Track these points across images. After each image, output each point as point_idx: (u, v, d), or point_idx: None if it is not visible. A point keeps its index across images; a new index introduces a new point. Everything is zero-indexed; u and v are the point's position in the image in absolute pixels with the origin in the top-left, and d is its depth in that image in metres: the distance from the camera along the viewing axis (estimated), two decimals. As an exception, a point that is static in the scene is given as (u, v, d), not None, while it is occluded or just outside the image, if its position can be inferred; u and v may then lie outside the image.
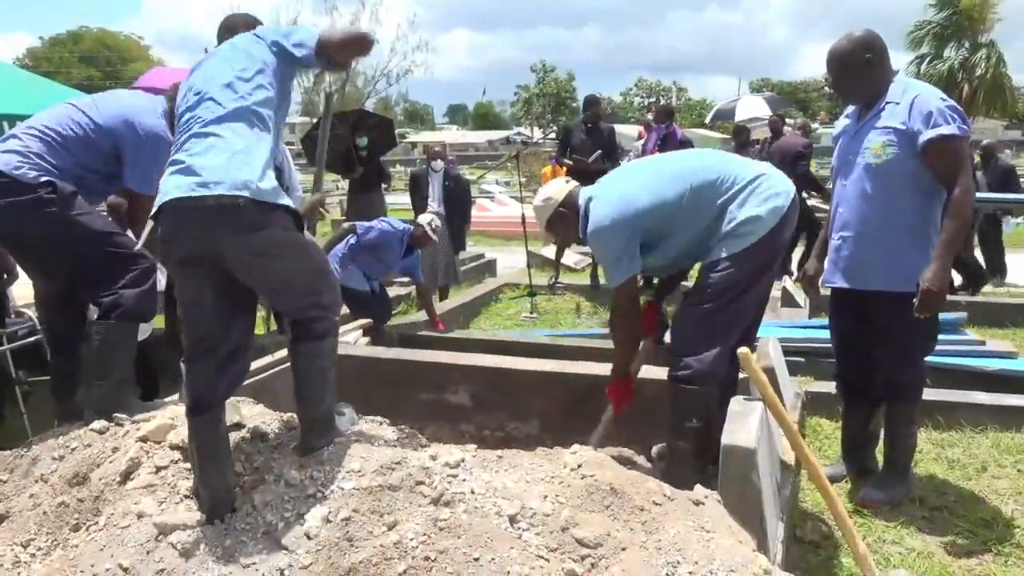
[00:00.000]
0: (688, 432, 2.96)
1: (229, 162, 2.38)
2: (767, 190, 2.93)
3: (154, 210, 2.43)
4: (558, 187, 3.31)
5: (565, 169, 8.07)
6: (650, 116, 9.80)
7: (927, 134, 2.95)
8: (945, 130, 2.94)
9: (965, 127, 2.99)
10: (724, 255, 2.92)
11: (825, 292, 3.51)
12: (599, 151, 7.74)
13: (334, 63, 2.63)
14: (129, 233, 3.40)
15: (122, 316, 3.13)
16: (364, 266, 5.83)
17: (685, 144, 8.46)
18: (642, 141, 9.00)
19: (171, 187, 2.39)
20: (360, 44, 2.63)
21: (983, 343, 5.12)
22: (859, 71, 3.14)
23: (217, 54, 2.70)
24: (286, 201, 2.47)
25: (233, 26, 2.97)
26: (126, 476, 2.69)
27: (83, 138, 3.16)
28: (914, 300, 2.96)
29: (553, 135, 8.71)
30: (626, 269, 3.05)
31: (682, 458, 3.01)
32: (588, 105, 8.24)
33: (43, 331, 3.55)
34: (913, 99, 3.03)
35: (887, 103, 3.11)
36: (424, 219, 5.95)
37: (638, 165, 3.40)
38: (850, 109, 3.35)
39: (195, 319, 2.48)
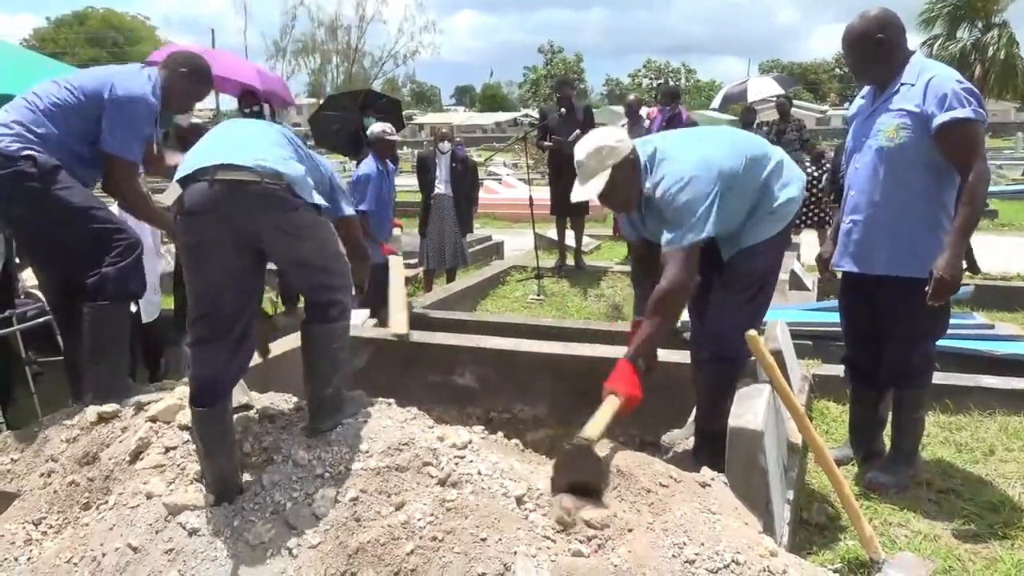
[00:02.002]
0: (727, 412, 2.94)
1: (272, 151, 2.49)
2: (792, 171, 3.02)
3: (187, 173, 2.40)
4: (622, 131, 2.91)
5: (546, 152, 8.13)
6: (632, 98, 9.88)
7: (941, 117, 2.90)
8: (960, 113, 2.88)
9: (981, 111, 2.93)
10: (762, 240, 2.93)
11: (837, 275, 3.49)
12: (578, 131, 7.78)
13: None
14: (114, 208, 3.37)
15: (108, 297, 3.07)
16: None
17: (692, 125, 8.43)
18: (648, 123, 8.97)
19: (213, 154, 2.42)
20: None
21: (992, 327, 5.11)
22: (872, 51, 3.07)
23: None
24: (317, 199, 2.55)
25: None
26: (136, 455, 2.71)
27: (68, 106, 3.08)
28: (926, 288, 2.93)
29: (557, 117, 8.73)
30: (702, 228, 2.69)
31: (716, 437, 2.99)
32: (560, 87, 8.45)
33: (52, 313, 3.55)
34: (928, 81, 2.96)
35: (901, 84, 3.05)
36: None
37: (692, 133, 3.23)
38: (865, 90, 3.30)
39: (212, 300, 2.47)
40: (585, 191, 2.77)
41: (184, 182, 2.41)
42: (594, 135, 2.81)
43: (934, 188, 3.04)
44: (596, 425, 2.51)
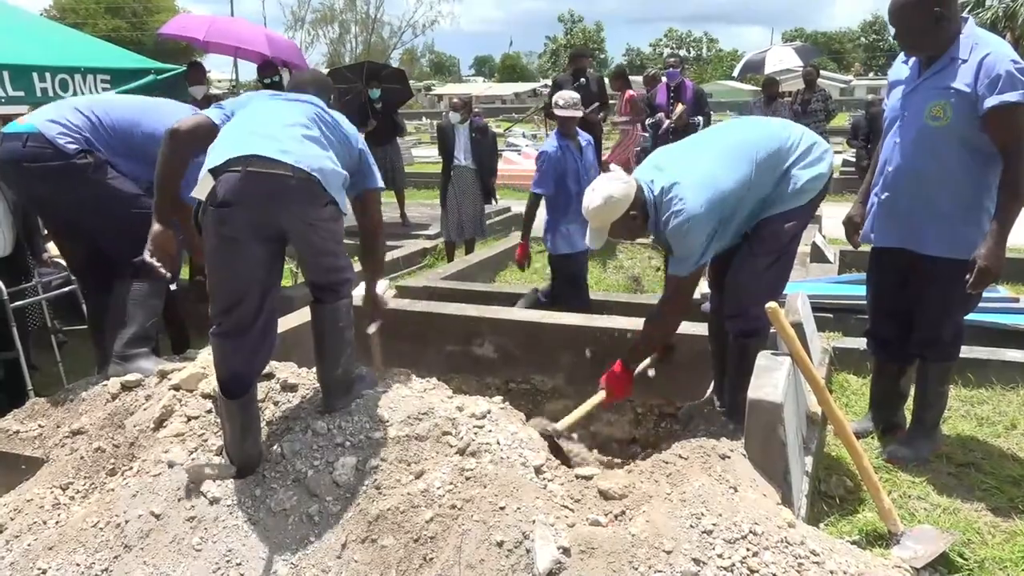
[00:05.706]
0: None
1: (303, 143, 2.53)
2: (819, 150, 2.97)
3: (219, 163, 2.40)
4: (621, 185, 2.86)
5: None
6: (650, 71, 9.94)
7: (991, 100, 2.78)
8: (1011, 97, 2.76)
9: None
10: (784, 210, 2.90)
11: (865, 248, 3.44)
12: (597, 103, 7.90)
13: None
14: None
15: (151, 279, 3.20)
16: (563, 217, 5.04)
17: (699, 94, 8.44)
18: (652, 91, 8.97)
19: (247, 144, 2.43)
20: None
21: (1016, 300, 5.04)
22: (927, 26, 2.90)
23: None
24: (342, 195, 2.60)
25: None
26: (160, 423, 2.76)
27: (122, 132, 3.28)
28: (967, 276, 2.87)
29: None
30: (702, 257, 2.87)
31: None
32: (575, 59, 8.43)
33: (78, 284, 3.63)
34: (982, 59, 2.83)
35: (952, 59, 2.90)
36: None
37: (701, 142, 3.14)
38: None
39: (239, 292, 2.48)
40: (594, 243, 2.97)
41: (216, 172, 2.41)
42: (598, 187, 2.90)
43: (978, 170, 2.94)
44: (571, 416, 3.00)
